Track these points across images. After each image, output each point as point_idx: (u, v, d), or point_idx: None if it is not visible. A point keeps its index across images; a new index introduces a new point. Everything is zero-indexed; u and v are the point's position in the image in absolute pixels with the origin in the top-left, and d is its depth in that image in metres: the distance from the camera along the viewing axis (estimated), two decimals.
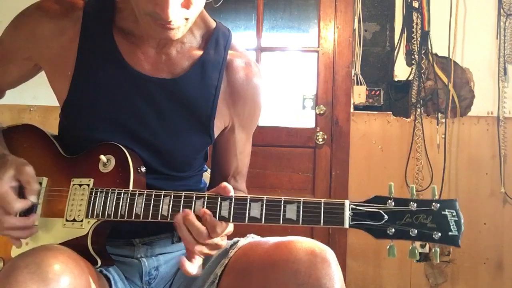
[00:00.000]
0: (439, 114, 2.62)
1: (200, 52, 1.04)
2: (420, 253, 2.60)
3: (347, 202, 0.83)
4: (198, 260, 0.89)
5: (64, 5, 1.01)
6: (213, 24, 1.08)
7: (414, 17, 2.62)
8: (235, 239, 1.08)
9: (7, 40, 1.05)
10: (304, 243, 0.90)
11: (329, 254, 0.89)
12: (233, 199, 0.88)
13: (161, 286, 1.08)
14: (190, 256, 0.88)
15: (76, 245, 0.91)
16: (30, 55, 1.04)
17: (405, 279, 2.62)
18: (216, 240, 0.88)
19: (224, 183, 0.89)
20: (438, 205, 0.81)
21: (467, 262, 2.60)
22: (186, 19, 0.90)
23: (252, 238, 1.07)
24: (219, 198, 0.88)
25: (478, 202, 2.58)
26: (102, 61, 1.00)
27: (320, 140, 2.69)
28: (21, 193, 0.93)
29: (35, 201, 0.94)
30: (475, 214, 2.56)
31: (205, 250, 0.89)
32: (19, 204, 0.91)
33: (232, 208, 0.87)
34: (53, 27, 1.00)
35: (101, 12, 1.01)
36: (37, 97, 2.75)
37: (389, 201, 0.83)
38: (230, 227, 0.91)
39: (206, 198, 0.88)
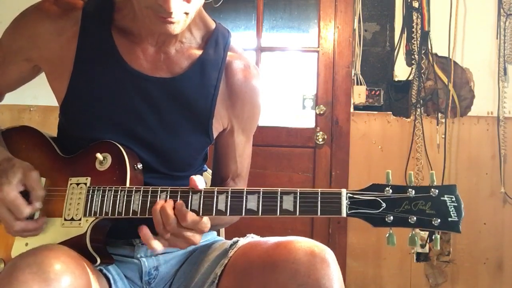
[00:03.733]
0: (439, 114, 2.62)
1: (199, 52, 1.04)
2: (420, 253, 2.60)
3: (343, 191, 0.83)
4: (163, 244, 0.88)
5: (63, 6, 1.01)
6: (212, 24, 1.08)
7: (414, 17, 2.61)
8: (234, 239, 1.08)
9: (6, 42, 1.05)
10: (303, 243, 0.90)
11: (329, 254, 0.89)
12: (230, 192, 0.87)
13: (161, 286, 1.08)
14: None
15: (75, 244, 0.91)
16: (29, 56, 1.04)
17: (405, 279, 2.62)
18: (187, 233, 0.87)
19: (192, 176, 0.89)
20: (437, 191, 0.80)
21: (467, 262, 2.60)
22: (186, 13, 0.90)
23: (251, 238, 1.07)
24: (216, 192, 0.87)
25: (478, 202, 2.58)
26: (100, 60, 1.00)
27: (320, 140, 2.69)
28: (25, 196, 0.94)
29: (40, 207, 0.95)
30: (475, 214, 2.56)
31: (175, 240, 0.88)
32: (28, 210, 0.92)
33: (229, 201, 0.87)
34: (52, 28, 1.00)
35: (100, 12, 1.02)
36: (37, 97, 2.75)
37: (387, 188, 0.82)
38: (206, 223, 0.89)
39: (202, 192, 0.88)
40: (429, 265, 2.61)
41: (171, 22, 0.89)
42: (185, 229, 0.87)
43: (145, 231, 0.86)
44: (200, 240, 0.90)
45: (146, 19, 0.91)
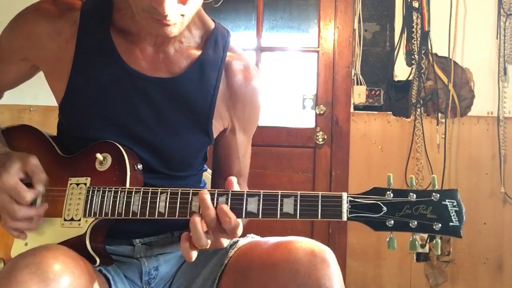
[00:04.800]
0: (439, 114, 2.62)
1: (198, 52, 1.04)
2: (420, 253, 2.60)
3: (344, 195, 0.82)
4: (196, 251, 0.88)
5: (61, 6, 1.01)
6: (212, 24, 1.08)
7: (414, 17, 2.62)
8: (234, 239, 1.08)
9: (4, 42, 1.05)
10: (303, 243, 0.90)
11: (329, 254, 0.88)
12: (230, 194, 0.86)
13: (160, 286, 1.08)
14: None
15: (74, 245, 0.91)
16: (27, 56, 1.04)
17: (405, 279, 2.62)
18: (223, 235, 0.86)
19: (230, 177, 0.88)
20: (438, 195, 0.79)
21: (467, 262, 2.60)
22: (182, 15, 0.90)
23: (252, 238, 1.07)
24: (216, 194, 0.87)
25: (478, 202, 2.58)
26: (99, 60, 1.00)
27: (320, 140, 2.69)
28: (28, 185, 0.93)
29: (42, 190, 0.94)
30: (475, 214, 2.56)
31: (212, 240, 0.87)
32: (30, 194, 0.92)
33: (229, 203, 0.86)
34: (50, 28, 1.00)
35: (98, 12, 1.01)
36: (37, 97, 2.75)
37: (388, 192, 0.81)
38: (241, 230, 0.88)
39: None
40: (429, 265, 2.61)
41: (167, 25, 0.89)
42: (223, 231, 0.85)
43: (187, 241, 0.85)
44: (226, 244, 0.89)
45: (143, 21, 0.91)
